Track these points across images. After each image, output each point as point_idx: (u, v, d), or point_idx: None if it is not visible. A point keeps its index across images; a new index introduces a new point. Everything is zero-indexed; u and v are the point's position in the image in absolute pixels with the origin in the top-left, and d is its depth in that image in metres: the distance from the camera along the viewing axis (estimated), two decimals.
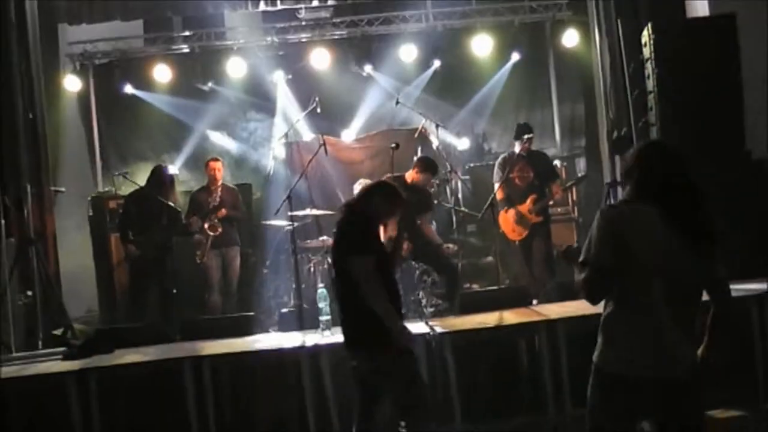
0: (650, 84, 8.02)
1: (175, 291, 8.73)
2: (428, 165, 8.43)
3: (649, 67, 8.02)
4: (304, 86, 11.64)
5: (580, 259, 3.46)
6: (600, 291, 3.46)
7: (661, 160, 3.51)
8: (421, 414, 4.88)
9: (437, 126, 10.03)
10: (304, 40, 11.86)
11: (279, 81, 11.91)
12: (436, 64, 12.08)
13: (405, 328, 4.84)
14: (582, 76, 11.67)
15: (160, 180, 8.71)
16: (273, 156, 11.33)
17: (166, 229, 8.59)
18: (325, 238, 9.56)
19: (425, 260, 8.51)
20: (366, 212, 5.01)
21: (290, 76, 11.92)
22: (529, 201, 8.85)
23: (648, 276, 3.35)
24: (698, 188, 3.46)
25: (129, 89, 11.72)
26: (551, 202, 9.19)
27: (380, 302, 4.68)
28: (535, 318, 6.38)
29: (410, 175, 8.36)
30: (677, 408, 3.46)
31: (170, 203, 8.60)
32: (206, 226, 8.90)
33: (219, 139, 11.95)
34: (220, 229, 8.93)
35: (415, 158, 8.72)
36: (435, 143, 10.32)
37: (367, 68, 12.04)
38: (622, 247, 3.33)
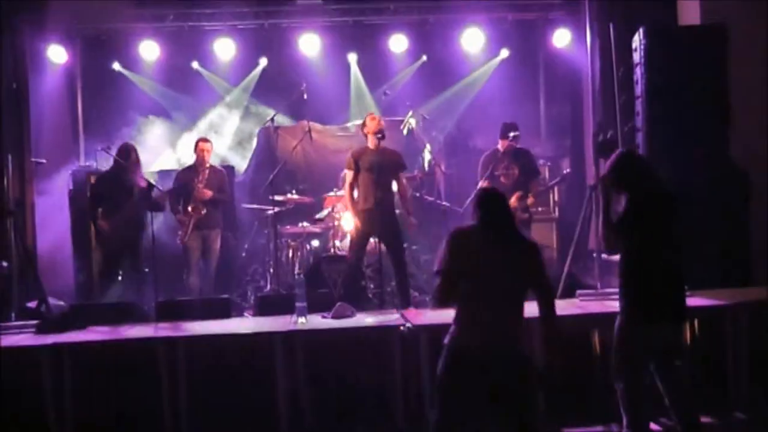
0: (638, 89, 8.05)
1: (146, 269, 8.70)
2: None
3: (638, 72, 8.05)
4: (290, 72, 11.62)
5: (435, 269, 4.40)
6: (448, 295, 4.38)
7: (492, 202, 4.55)
8: None
9: (423, 118, 10.05)
10: (295, 25, 11.75)
11: (261, 65, 11.93)
12: (424, 58, 12.06)
13: None
14: (571, 77, 11.68)
15: (126, 157, 8.67)
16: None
17: (137, 205, 8.60)
18: (305, 224, 9.56)
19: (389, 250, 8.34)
20: None
21: (269, 63, 11.89)
22: (514, 198, 8.84)
23: (484, 280, 4.31)
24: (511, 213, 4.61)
25: (116, 66, 11.65)
26: (530, 201, 9.16)
27: None
28: None
29: (369, 141, 8.23)
30: (514, 384, 4.35)
31: (146, 179, 8.65)
32: (190, 208, 8.86)
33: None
34: (204, 211, 8.89)
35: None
36: (420, 135, 10.32)
37: (355, 57, 12.00)
38: (464, 259, 4.32)
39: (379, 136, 8.06)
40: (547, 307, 4.52)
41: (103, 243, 8.77)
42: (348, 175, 8.22)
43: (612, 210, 5.19)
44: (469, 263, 4.32)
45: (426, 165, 10.45)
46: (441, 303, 4.44)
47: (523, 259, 4.46)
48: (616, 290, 6.40)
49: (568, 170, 11.02)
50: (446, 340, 4.46)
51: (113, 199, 8.66)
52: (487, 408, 4.45)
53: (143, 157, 9.12)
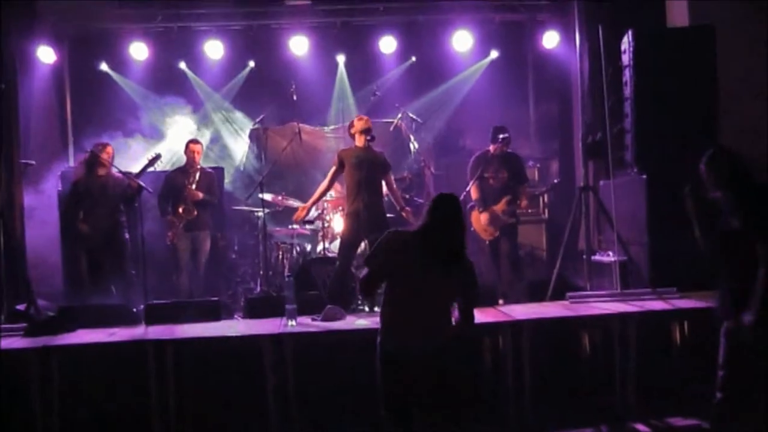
0: (627, 91, 8.08)
1: (134, 272, 8.65)
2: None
3: (627, 74, 8.07)
4: (278, 73, 11.59)
5: (364, 266, 4.60)
6: (371, 287, 4.62)
7: (444, 206, 4.69)
8: None
9: (413, 120, 10.07)
10: (283, 26, 11.73)
11: (248, 67, 11.90)
12: (413, 58, 12.06)
13: None
14: (560, 79, 11.70)
15: (94, 159, 8.63)
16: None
17: (113, 199, 8.57)
18: (295, 226, 9.55)
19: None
20: None
21: (257, 65, 11.86)
22: (503, 202, 8.87)
23: (408, 282, 4.47)
24: (461, 225, 4.68)
25: (104, 67, 11.60)
26: (523, 204, 9.18)
27: None
28: (501, 318, 6.40)
29: (357, 140, 8.15)
30: (431, 379, 4.50)
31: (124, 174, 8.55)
32: (181, 209, 8.84)
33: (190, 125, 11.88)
34: (195, 212, 8.88)
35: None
36: (410, 137, 10.32)
37: (343, 58, 11.99)
38: (392, 259, 4.51)
39: (368, 137, 8.02)
40: (464, 315, 4.65)
41: (86, 245, 8.70)
42: (331, 170, 8.19)
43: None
44: (399, 269, 4.50)
45: (412, 156, 10.43)
46: (365, 295, 4.85)
47: (455, 277, 4.57)
48: (608, 292, 6.41)
49: (557, 180, 11.03)
50: (378, 341, 4.64)
51: (89, 202, 8.61)
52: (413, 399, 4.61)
53: (132, 155, 9.10)
